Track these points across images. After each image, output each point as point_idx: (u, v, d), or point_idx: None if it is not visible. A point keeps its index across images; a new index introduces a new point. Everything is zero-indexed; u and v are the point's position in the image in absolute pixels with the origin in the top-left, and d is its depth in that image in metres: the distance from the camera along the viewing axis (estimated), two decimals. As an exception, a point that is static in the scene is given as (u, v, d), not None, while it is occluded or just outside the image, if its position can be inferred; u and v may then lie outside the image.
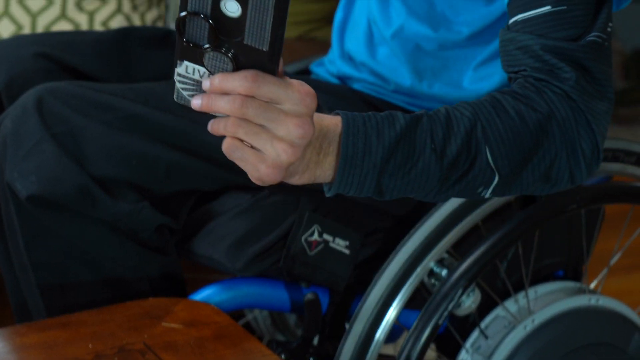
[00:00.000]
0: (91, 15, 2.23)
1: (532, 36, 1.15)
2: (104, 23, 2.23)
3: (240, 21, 0.93)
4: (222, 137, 1.00)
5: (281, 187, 1.37)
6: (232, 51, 0.94)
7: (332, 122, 1.05)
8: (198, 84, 0.98)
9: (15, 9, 2.20)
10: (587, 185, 1.46)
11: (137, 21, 2.25)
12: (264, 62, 0.94)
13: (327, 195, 1.08)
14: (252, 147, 0.98)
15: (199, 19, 0.94)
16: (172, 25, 2.20)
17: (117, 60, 1.52)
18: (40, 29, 2.19)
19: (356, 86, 1.51)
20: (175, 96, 1.00)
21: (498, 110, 1.12)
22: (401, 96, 1.46)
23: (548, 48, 1.14)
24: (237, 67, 0.95)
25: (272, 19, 0.92)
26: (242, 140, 0.98)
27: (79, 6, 2.24)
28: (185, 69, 0.97)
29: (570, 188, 1.20)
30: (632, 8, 3.10)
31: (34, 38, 1.52)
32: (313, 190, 1.38)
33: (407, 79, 1.44)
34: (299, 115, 0.97)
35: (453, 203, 1.37)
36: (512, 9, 1.19)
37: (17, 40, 1.51)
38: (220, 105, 0.96)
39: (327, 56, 1.62)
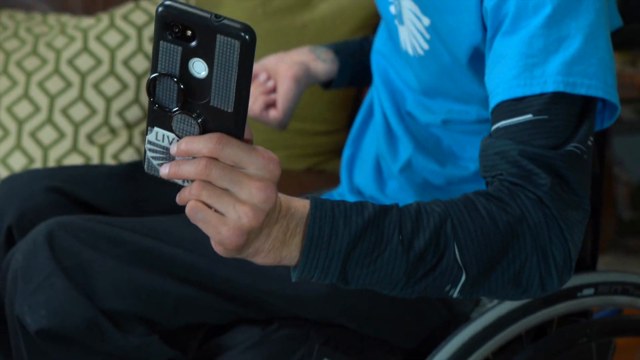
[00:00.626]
0: (102, 148, 2.26)
1: (511, 142, 1.15)
2: (115, 156, 2.25)
3: (206, 82, 0.94)
4: (233, 271, 1.00)
5: (291, 320, 1.37)
6: (200, 114, 0.96)
7: (301, 204, 1.06)
8: (167, 151, 0.99)
9: (27, 143, 2.22)
10: (598, 319, 1.45)
11: (147, 154, 2.28)
12: (230, 126, 0.96)
13: (293, 280, 1.07)
14: (215, 210, 0.98)
15: (168, 81, 0.95)
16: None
17: (127, 194, 1.53)
18: (51, 162, 2.21)
19: None
20: (145, 166, 1.01)
21: (469, 209, 1.11)
22: None
23: (526, 154, 1.13)
24: (204, 130, 0.97)
25: (236, 79, 0.93)
26: (205, 204, 0.98)
27: (90, 139, 2.26)
28: (155, 135, 0.99)
29: (541, 296, 1.17)
30: (638, 140, 3.12)
31: (46, 172, 1.54)
32: (323, 323, 1.37)
33: None
34: (261, 180, 0.98)
35: (463, 336, 1.36)
36: (495, 117, 1.18)
37: (29, 175, 1.53)
38: (186, 169, 0.97)
39: (337, 189, 1.63)
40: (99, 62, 2.29)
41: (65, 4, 2.48)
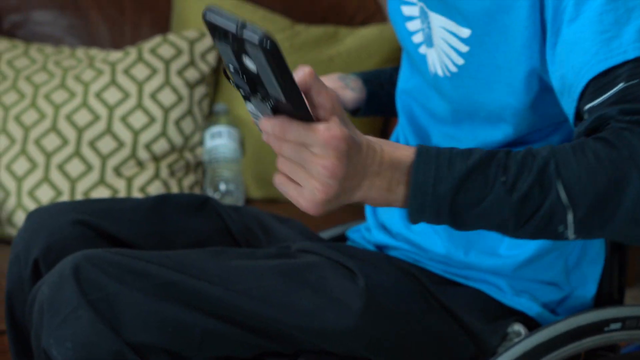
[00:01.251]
0: (129, 181, 2.27)
1: (609, 108, 1.16)
2: (142, 189, 2.26)
3: (260, 77, 1.04)
4: (259, 304, 1.02)
5: (317, 354, 1.37)
6: (268, 98, 1.06)
7: (406, 153, 1.12)
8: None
9: (55, 175, 2.23)
10: (626, 353, 1.44)
11: (174, 187, 2.28)
12: (292, 110, 1.05)
13: (410, 222, 1.14)
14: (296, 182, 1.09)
15: (236, 73, 1.06)
16: (210, 192, 2.23)
17: (154, 227, 1.54)
18: (79, 194, 2.23)
19: (393, 253, 1.52)
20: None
21: (575, 150, 1.13)
22: (438, 264, 1.47)
23: (626, 109, 1.14)
24: (276, 111, 1.07)
25: (274, 77, 1.02)
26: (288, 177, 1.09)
27: (118, 172, 2.27)
28: (249, 107, 1.11)
29: None
30: None
31: (73, 205, 1.55)
32: (349, 357, 1.37)
33: (442, 248, 1.45)
34: (326, 157, 1.06)
35: None
36: (585, 100, 1.19)
37: (56, 208, 1.54)
38: (270, 142, 1.09)
39: (365, 223, 1.63)
40: (126, 95, 2.30)
41: (94, 37, 2.51)
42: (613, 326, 1.42)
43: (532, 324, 1.46)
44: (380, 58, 2.43)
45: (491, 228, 1.14)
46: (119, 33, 2.51)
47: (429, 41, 1.43)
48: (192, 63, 2.35)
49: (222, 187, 2.23)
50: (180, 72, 2.33)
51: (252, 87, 1.06)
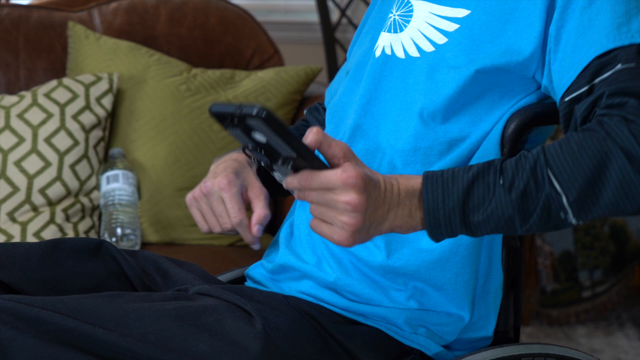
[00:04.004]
0: (24, 226, 2.24)
1: (603, 88, 1.30)
2: (37, 234, 2.23)
3: (270, 144, 1.21)
4: (154, 349, 1.22)
5: None
6: (286, 162, 1.24)
7: (416, 180, 1.29)
8: None
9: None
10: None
11: (70, 231, 2.26)
12: (305, 162, 1.23)
13: (434, 240, 1.30)
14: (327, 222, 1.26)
15: (253, 150, 1.25)
16: (106, 236, 2.21)
17: (47, 273, 1.51)
18: (-28, 241, 2.19)
19: (293, 274, 1.52)
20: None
21: (561, 142, 1.27)
22: (334, 297, 1.47)
23: (615, 90, 1.29)
24: (296, 169, 1.25)
25: (279, 138, 1.19)
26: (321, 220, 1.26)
27: (12, 217, 2.24)
28: (276, 176, 1.29)
29: None
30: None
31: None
32: None
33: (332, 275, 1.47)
34: (346, 194, 1.22)
35: None
36: (586, 77, 1.33)
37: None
38: (300, 196, 1.27)
39: (264, 257, 1.63)
40: (21, 139, 2.28)
41: (-13, 82, 2.48)
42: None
43: (430, 362, 1.47)
44: (278, 101, 2.45)
45: (502, 228, 1.28)
46: (14, 77, 2.48)
47: (396, 27, 1.51)
48: (87, 107, 2.33)
49: (119, 231, 2.21)
50: (75, 116, 2.32)
51: (270, 156, 1.24)
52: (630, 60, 1.31)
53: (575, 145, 1.26)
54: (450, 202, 1.27)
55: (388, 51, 1.50)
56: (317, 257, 1.50)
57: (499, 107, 1.43)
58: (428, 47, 1.46)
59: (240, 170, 1.57)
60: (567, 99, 1.35)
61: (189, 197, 1.58)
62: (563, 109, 1.36)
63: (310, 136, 1.23)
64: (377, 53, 1.51)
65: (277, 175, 1.29)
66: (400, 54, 1.48)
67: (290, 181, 1.26)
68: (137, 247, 2.23)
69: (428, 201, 1.28)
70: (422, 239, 1.44)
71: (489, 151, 1.42)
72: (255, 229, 1.52)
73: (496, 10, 1.42)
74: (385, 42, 1.51)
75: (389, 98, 1.49)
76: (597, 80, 1.32)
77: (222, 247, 2.34)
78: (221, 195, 1.53)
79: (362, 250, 1.46)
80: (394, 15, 1.52)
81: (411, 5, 1.50)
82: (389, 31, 1.51)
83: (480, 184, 1.27)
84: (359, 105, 1.51)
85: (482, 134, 1.43)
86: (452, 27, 1.44)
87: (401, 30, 1.50)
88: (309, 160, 1.23)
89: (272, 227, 2.43)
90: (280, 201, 2.41)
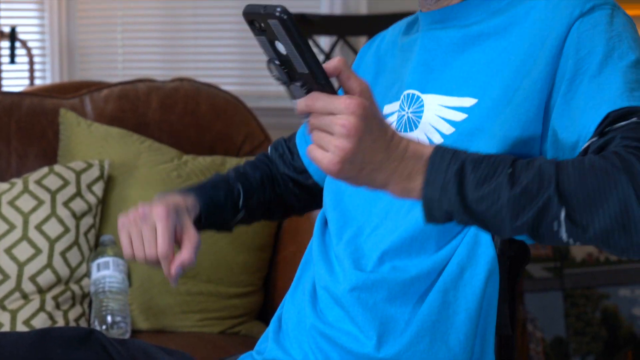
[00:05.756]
0: (14, 314, 2.22)
1: (617, 135, 1.29)
2: (27, 322, 2.21)
3: (289, 56, 1.22)
4: None
5: None
6: (300, 81, 1.24)
7: (428, 147, 1.26)
8: None
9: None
10: None
11: (60, 319, 2.25)
12: (316, 83, 1.23)
13: (425, 219, 1.26)
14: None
15: (274, 64, 1.25)
16: (96, 324, 2.20)
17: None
18: (-40, 329, 2.17)
19: None
20: None
21: (574, 161, 1.25)
22: None
23: (629, 138, 1.27)
24: (307, 91, 1.24)
25: (294, 47, 1.20)
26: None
27: (2, 305, 2.23)
28: (294, 103, 1.28)
29: None
30: (551, 297, 3.16)
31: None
32: None
33: None
34: (344, 118, 1.21)
35: None
36: (600, 128, 1.32)
37: None
38: (310, 124, 1.26)
39: (255, 347, 1.62)
40: (12, 226, 2.28)
41: (-22, 169, 2.48)
42: None
43: None
44: (268, 187, 2.45)
45: (492, 218, 1.24)
46: (5, 164, 2.49)
47: (409, 125, 1.51)
48: (78, 194, 2.34)
49: (109, 318, 2.20)
50: (66, 203, 2.32)
51: (289, 74, 1.25)
52: None
53: (587, 164, 1.24)
54: (454, 167, 1.24)
55: None
56: (304, 352, 1.49)
57: None
58: (438, 140, 1.46)
59: (181, 210, 1.59)
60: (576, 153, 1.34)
61: (123, 219, 1.57)
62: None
63: (333, 62, 1.23)
64: None
65: (293, 102, 1.29)
66: None
67: (299, 103, 1.25)
68: (128, 335, 2.21)
69: (434, 161, 1.25)
70: (411, 332, 1.43)
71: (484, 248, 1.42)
72: (176, 269, 1.52)
73: (501, 95, 1.43)
74: None
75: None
76: (608, 128, 1.31)
77: (213, 334, 2.33)
78: (155, 224, 1.53)
79: (352, 342, 1.45)
80: (407, 113, 1.52)
81: (422, 100, 1.51)
82: (405, 130, 1.52)
83: (488, 165, 1.25)
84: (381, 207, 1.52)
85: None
86: (460, 116, 1.45)
87: (416, 127, 1.50)
88: (321, 83, 1.23)
89: (264, 315, 2.42)
90: (271, 292, 2.40)
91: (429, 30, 1.55)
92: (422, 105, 1.50)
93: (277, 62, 1.25)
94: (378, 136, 1.23)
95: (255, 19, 1.22)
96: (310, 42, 3.77)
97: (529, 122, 1.40)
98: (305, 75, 1.23)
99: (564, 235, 1.23)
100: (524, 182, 1.23)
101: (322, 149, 1.23)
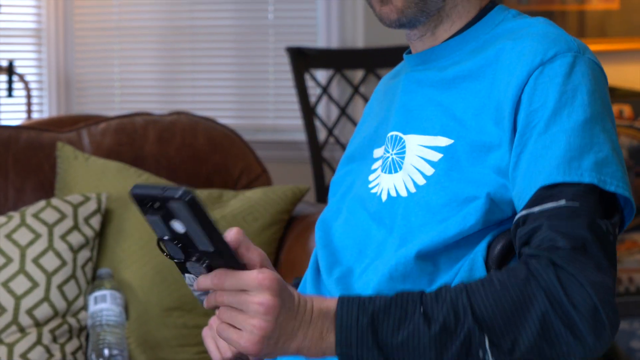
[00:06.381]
0: (10, 347, 2.22)
1: (544, 222, 1.28)
2: (24, 355, 2.21)
3: (188, 235, 1.17)
4: None
5: None
6: (200, 258, 1.20)
7: (332, 302, 1.24)
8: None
9: None
10: None
11: (57, 353, 2.24)
12: (223, 261, 1.19)
13: None
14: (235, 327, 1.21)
15: (168, 242, 1.19)
16: (93, 357, 2.19)
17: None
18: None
19: None
20: (200, 304, 1.28)
21: (484, 281, 1.24)
22: None
23: (554, 228, 1.26)
24: (211, 268, 1.21)
25: (200, 227, 1.15)
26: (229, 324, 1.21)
27: (-2, 339, 2.23)
28: (187, 279, 1.25)
29: (588, 349, 1.24)
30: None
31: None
32: None
33: None
34: (260, 296, 1.18)
35: None
36: (530, 203, 1.32)
37: None
38: (210, 300, 1.23)
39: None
40: (8, 260, 2.28)
41: (-24, 202, 2.48)
42: None
43: None
44: (265, 221, 2.46)
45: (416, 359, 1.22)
46: (2, 197, 2.49)
47: (393, 167, 1.50)
48: (75, 227, 2.34)
49: (106, 352, 2.20)
50: (63, 237, 2.32)
51: (185, 251, 1.20)
52: (576, 199, 1.30)
53: (498, 284, 1.24)
54: (364, 321, 1.23)
55: (393, 193, 1.50)
56: None
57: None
58: (421, 181, 1.46)
59: None
60: (514, 222, 1.35)
61: (205, 329, 1.59)
62: (512, 230, 1.35)
63: (231, 234, 1.21)
64: (383, 197, 1.51)
65: (188, 277, 1.25)
66: (402, 192, 1.49)
67: (202, 280, 1.22)
68: (124, 368, 2.21)
69: (342, 318, 1.23)
70: None
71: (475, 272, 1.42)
72: None
73: (477, 140, 1.42)
74: (389, 184, 1.51)
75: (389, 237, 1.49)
76: (536, 209, 1.31)
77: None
78: None
79: None
80: (391, 155, 1.52)
81: (404, 141, 1.51)
82: (390, 172, 1.51)
83: (397, 308, 1.23)
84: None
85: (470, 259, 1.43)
86: (436, 156, 1.45)
87: (400, 168, 1.50)
88: (226, 258, 1.20)
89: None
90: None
91: (411, 72, 1.56)
92: (404, 147, 1.50)
93: (170, 240, 1.20)
94: (289, 307, 1.22)
95: (150, 201, 1.17)
96: (307, 77, 3.79)
97: (505, 168, 1.39)
98: (208, 252, 1.19)
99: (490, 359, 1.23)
100: (439, 318, 1.22)
101: (235, 328, 1.21)
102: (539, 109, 1.36)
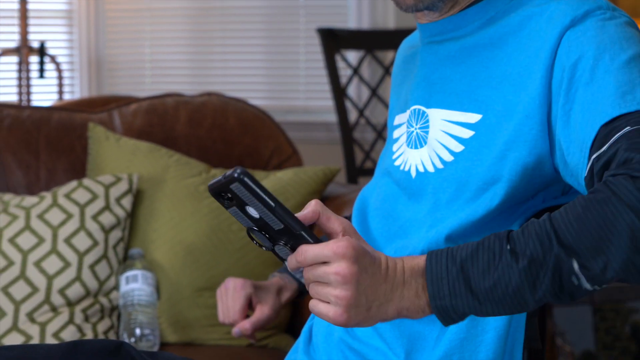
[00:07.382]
0: (43, 326, 2.23)
1: (618, 147, 1.26)
2: (56, 334, 2.22)
3: (263, 217, 1.18)
4: None
5: None
6: (283, 240, 1.21)
7: (421, 258, 1.24)
8: None
9: (-34, 322, 2.19)
10: None
11: (89, 332, 2.25)
12: (297, 237, 1.20)
13: (443, 323, 1.23)
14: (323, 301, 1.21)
15: (255, 232, 1.21)
16: (125, 337, 2.20)
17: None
18: (-10, 342, 2.18)
19: None
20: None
21: (566, 207, 1.22)
22: None
23: (627, 147, 1.23)
24: (293, 248, 1.21)
25: (262, 204, 1.16)
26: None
27: (31, 318, 2.24)
28: (285, 265, 1.26)
29: None
30: (580, 311, 3.15)
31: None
32: None
33: None
34: (336, 265, 1.19)
35: None
36: (591, 155, 1.30)
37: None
38: (305, 279, 1.23)
39: (286, 358, 1.63)
40: (41, 240, 2.29)
41: (8, 183, 2.50)
42: None
43: None
44: (297, 201, 2.46)
45: (512, 300, 1.21)
46: (34, 178, 2.50)
47: (418, 142, 1.50)
48: (107, 207, 2.35)
49: (138, 331, 2.21)
50: (95, 217, 2.33)
51: (270, 237, 1.21)
52: (638, 122, 1.29)
53: (580, 208, 1.21)
54: (454, 270, 1.22)
55: (421, 168, 1.49)
56: None
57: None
58: (448, 158, 1.46)
59: (264, 287, 1.83)
60: (586, 175, 1.32)
61: (219, 289, 1.88)
62: (587, 176, 1.33)
63: (310, 207, 1.22)
64: (412, 173, 1.51)
65: (285, 263, 1.25)
66: (430, 168, 1.48)
67: (290, 261, 1.23)
68: (156, 348, 2.22)
69: (432, 272, 1.23)
70: (440, 350, 1.43)
71: None
72: (234, 331, 1.85)
73: (503, 112, 1.42)
74: (416, 159, 1.50)
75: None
76: (605, 146, 1.29)
77: (241, 347, 2.33)
78: (232, 294, 1.82)
79: (380, 358, 1.45)
80: (415, 129, 1.52)
81: (427, 115, 1.50)
82: (415, 147, 1.51)
83: (485, 251, 1.22)
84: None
85: None
86: (467, 133, 1.45)
87: (425, 142, 1.49)
88: (299, 232, 1.20)
89: (292, 328, 2.41)
90: (300, 305, 2.40)
91: (428, 44, 1.54)
92: (428, 121, 1.49)
93: (256, 229, 1.21)
94: (373, 271, 1.21)
95: (221, 191, 1.18)
96: (338, 57, 3.78)
97: (534, 141, 1.39)
98: (283, 230, 1.19)
99: (587, 285, 1.20)
100: (527, 252, 1.20)
101: (324, 302, 1.22)
102: (578, 62, 1.35)
